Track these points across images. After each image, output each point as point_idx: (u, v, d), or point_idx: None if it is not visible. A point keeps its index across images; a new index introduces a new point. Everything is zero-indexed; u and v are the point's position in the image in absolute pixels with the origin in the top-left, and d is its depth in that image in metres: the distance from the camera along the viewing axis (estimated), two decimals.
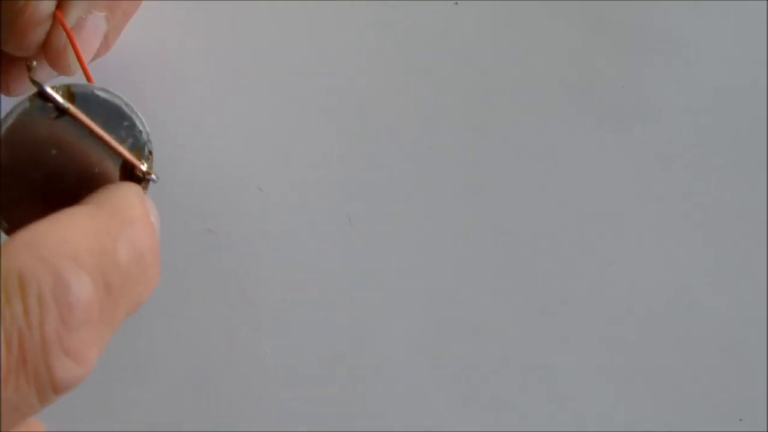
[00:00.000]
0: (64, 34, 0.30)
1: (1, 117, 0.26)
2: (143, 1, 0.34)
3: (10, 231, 0.26)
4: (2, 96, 0.34)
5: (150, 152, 0.27)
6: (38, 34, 0.31)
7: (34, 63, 0.27)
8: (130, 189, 0.25)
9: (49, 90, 0.25)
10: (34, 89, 0.25)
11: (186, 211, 0.34)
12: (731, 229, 0.36)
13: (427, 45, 0.39)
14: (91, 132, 0.26)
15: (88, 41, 0.32)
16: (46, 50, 0.31)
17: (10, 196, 0.26)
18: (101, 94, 0.26)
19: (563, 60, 0.39)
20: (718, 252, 0.35)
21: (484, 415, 0.32)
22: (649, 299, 0.34)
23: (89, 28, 0.31)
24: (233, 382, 0.31)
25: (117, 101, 0.26)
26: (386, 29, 0.39)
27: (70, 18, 0.31)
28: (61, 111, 0.25)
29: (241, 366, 0.31)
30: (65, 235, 0.22)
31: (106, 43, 0.34)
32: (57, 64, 0.31)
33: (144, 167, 0.27)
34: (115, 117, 0.26)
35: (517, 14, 0.40)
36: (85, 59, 0.30)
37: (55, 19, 0.31)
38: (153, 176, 0.27)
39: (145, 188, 0.27)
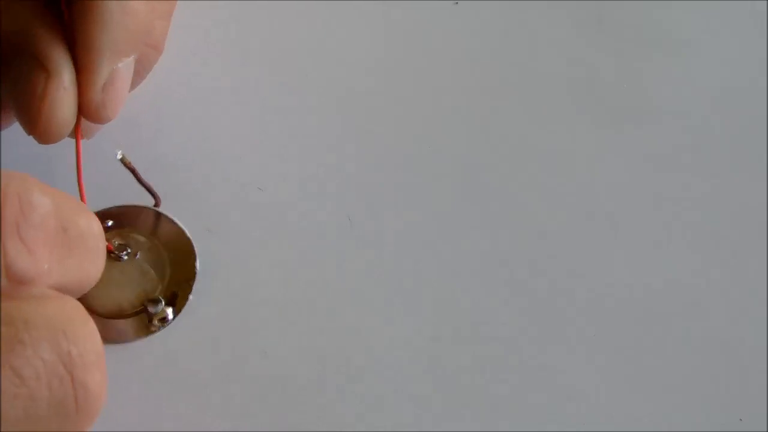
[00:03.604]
0: (98, 88, 0.30)
1: None
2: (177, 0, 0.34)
3: None
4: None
5: None
6: (69, 116, 0.30)
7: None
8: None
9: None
10: None
11: (185, 211, 0.34)
12: (732, 228, 0.36)
13: (426, 45, 0.39)
14: None
15: (122, 89, 0.31)
16: (84, 113, 0.30)
17: None
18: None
19: (563, 59, 0.39)
20: (719, 251, 0.35)
21: (485, 415, 0.32)
22: (649, 299, 0.34)
23: (121, 78, 0.30)
24: (232, 383, 0.31)
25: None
26: (385, 29, 0.39)
27: (101, 77, 0.30)
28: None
29: (239, 366, 0.31)
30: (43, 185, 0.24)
31: (157, 52, 0.33)
32: (98, 119, 0.31)
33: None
34: None
35: (516, 14, 0.40)
36: (123, 100, 0.31)
37: (81, 84, 0.30)
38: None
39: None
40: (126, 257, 0.32)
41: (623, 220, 0.36)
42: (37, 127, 0.29)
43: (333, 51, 0.38)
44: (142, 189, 0.33)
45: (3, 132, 0.33)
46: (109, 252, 0.31)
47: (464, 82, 0.38)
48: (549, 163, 0.37)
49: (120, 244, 0.32)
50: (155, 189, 0.33)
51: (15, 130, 0.32)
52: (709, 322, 0.34)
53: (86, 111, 0.30)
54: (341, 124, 0.37)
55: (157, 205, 0.33)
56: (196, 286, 0.32)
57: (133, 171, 0.32)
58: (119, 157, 0.31)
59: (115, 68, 0.30)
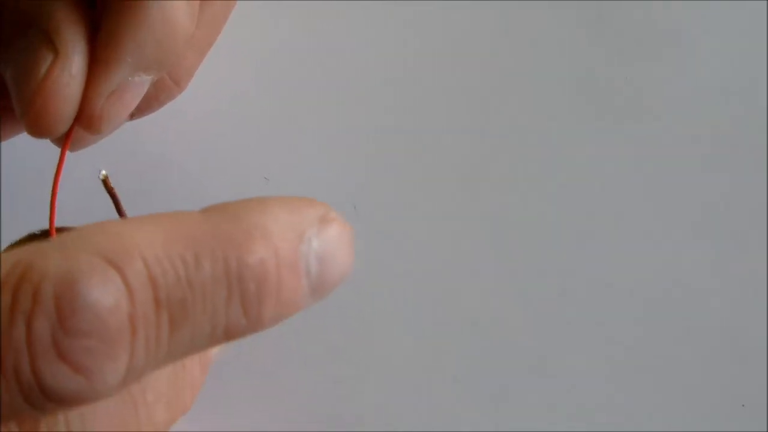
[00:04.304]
0: (103, 93, 0.26)
1: None
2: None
3: None
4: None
5: None
6: (67, 110, 0.26)
7: None
8: (287, 202, 0.20)
9: None
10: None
11: (191, 200, 0.34)
12: (732, 225, 0.36)
13: (430, 40, 0.39)
14: None
15: (126, 106, 0.27)
16: (78, 116, 0.27)
17: None
18: None
19: (564, 57, 0.39)
20: (720, 246, 0.35)
21: (485, 413, 0.32)
22: (651, 289, 0.34)
23: (131, 94, 0.27)
24: (234, 376, 0.31)
25: None
26: (390, 24, 0.39)
27: (111, 82, 0.26)
28: None
29: (241, 358, 0.31)
30: (125, 233, 0.18)
31: (178, 88, 0.31)
32: (91, 128, 0.27)
33: None
34: None
35: (518, 12, 0.40)
36: (122, 118, 0.28)
37: (88, 81, 0.26)
38: None
39: None
40: None
41: (624, 215, 0.36)
42: (29, 112, 0.26)
43: (338, 44, 0.38)
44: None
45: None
46: None
47: (467, 77, 0.38)
48: (551, 158, 0.37)
49: None
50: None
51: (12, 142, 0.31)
52: (710, 320, 0.34)
53: (80, 116, 0.27)
54: (347, 114, 0.37)
55: None
56: None
57: (113, 197, 0.28)
58: (101, 176, 0.28)
59: (129, 80, 0.26)
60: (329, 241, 0.21)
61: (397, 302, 0.33)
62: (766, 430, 0.32)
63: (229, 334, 0.19)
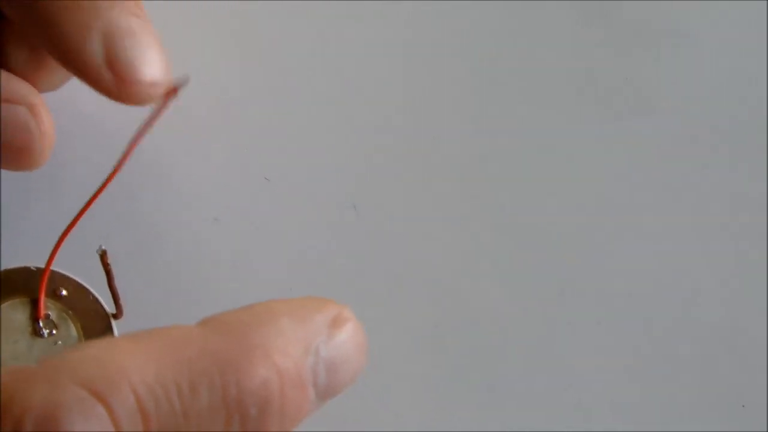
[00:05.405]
0: (94, 49, 0.24)
1: None
2: None
3: None
4: None
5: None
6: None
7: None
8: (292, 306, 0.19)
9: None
10: None
11: (193, 200, 0.34)
12: (732, 225, 0.36)
13: (431, 37, 0.39)
14: None
15: (137, 46, 0.25)
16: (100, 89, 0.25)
17: None
18: None
19: (566, 52, 0.39)
20: (720, 246, 0.35)
21: (486, 410, 0.32)
22: (651, 289, 0.34)
23: (133, 32, 0.25)
24: None
25: None
26: (390, 22, 0.39)
27: (92, 33, 0.24)
28: None
29: None
30: (114, 358, 0.17)
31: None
32: (107, 91, 0.25)
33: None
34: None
35: (518, 11, 0.40)
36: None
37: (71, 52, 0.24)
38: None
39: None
40: (45, 336, 0.28)
41: (625, 212, 0.36)
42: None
43: (339, 42, 0.38)
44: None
45: None
46: (36, 320, 0.28)
47: (468, 74, 0.38)
48: (552, 155, 0.37)
49: (53, 322, 0.28)
50: (123, 299, 0.29)
51: None
52: (711, 310, 0.34)
53: (97, 83, 0.24)
54: (347, 114, 0.37)
55: (116, 317, 0.29)
56: (200, 275, 0.32)
57: (108, 273, 0.28)
58: (99, 251, 0.28)
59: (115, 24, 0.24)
60: (339, 347, 0.20)
61: (397, 302, 0.33)
62: (766, 430, 0.32)
63: None
